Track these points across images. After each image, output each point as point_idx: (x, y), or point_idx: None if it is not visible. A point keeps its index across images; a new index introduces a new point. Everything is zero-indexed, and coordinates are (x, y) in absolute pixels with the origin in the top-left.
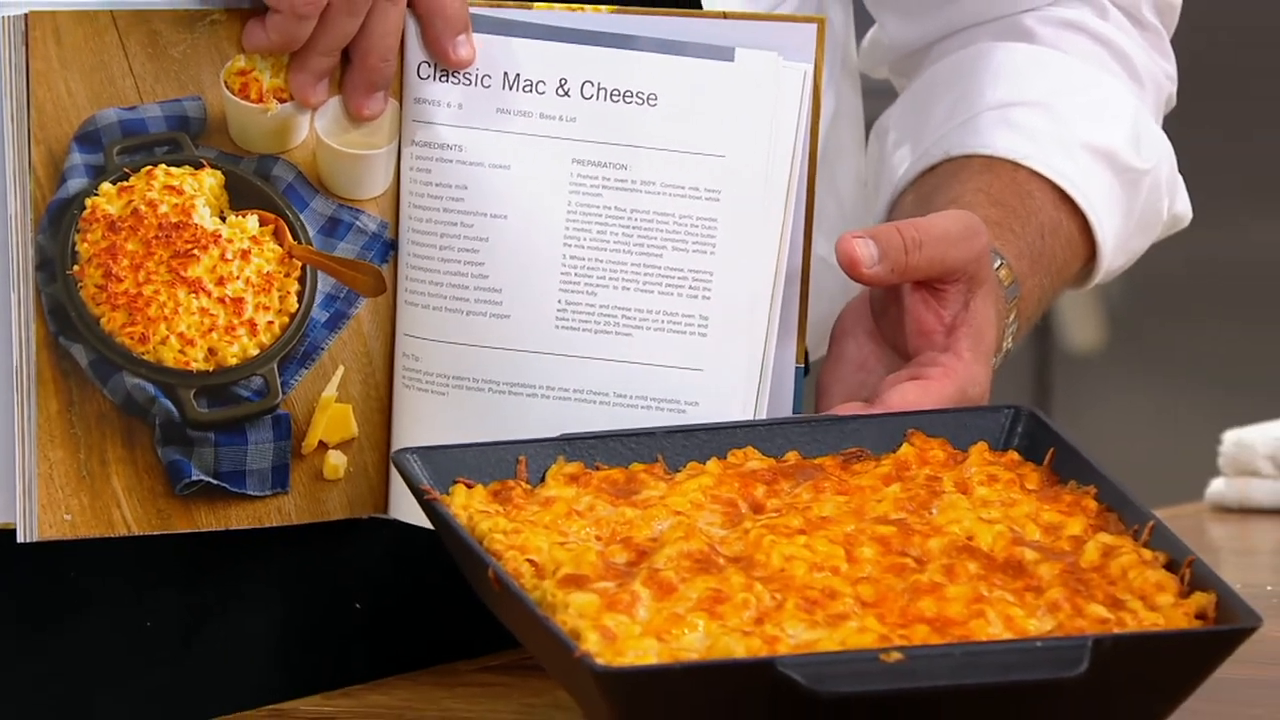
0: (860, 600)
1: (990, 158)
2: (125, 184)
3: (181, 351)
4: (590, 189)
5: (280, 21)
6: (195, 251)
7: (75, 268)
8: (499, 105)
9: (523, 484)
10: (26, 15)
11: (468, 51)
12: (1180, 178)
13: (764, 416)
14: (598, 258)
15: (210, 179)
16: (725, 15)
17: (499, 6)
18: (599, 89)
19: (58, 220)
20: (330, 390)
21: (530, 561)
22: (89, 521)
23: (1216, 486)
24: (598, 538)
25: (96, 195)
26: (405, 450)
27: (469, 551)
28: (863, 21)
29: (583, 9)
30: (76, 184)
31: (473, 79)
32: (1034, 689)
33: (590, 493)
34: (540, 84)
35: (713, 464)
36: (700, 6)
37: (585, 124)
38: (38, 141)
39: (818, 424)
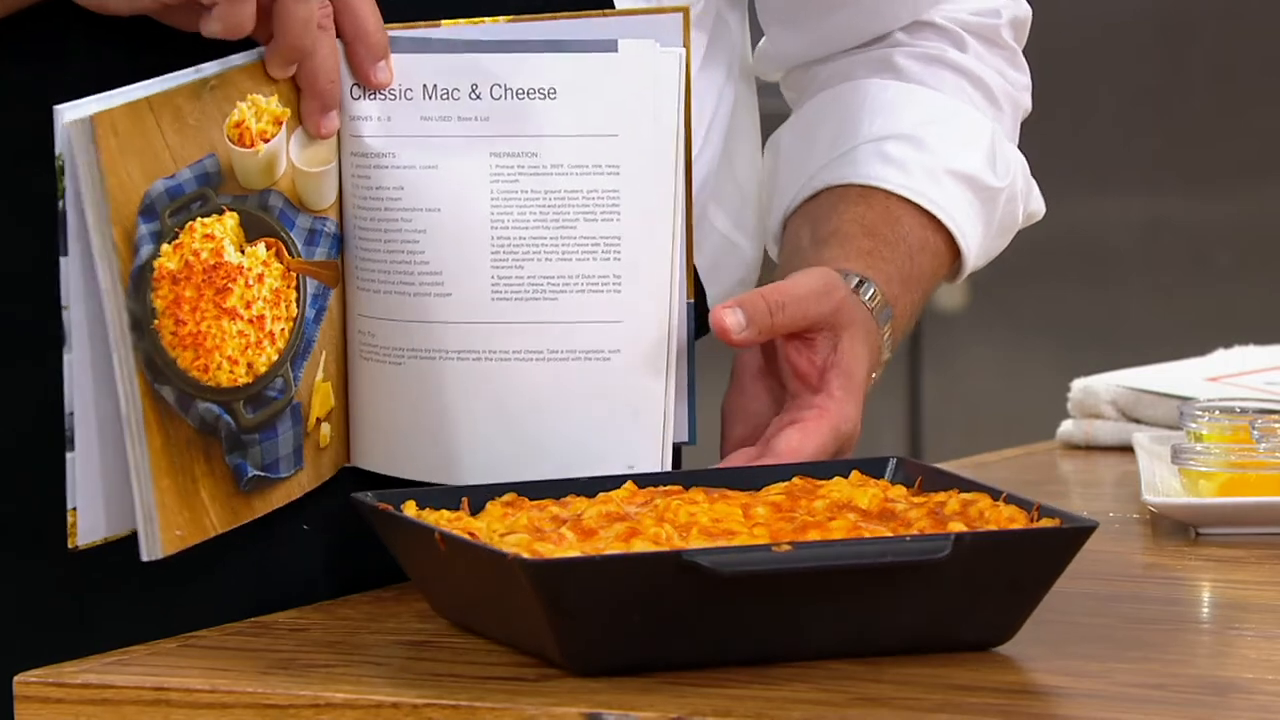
0: (755, 538)
1: (865, 187)
2: (176, 241)
3: (230, 371)
4: (508, 177)
5: (222, 10)
6: (229, 285)
7: (155, 322)
8: (422, 114)
9: (465, 514)
10: (92, 117)
11: (386, 75)
12: (1034, 181)
13: (674, 355)
14: (521, 235)
15: (230, 220)
16: (604, 13)
17: (411, 27)
18: (506, 89)
19: (138, 285)
20: (319, 373)
21: (470, 533)
22: (193, 532)
23: (1065, 427)
24: (529, 520)
25: (160, 257)
26: (363, 493)
27: (416, 530)
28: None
29: (483, 21)
30: (146, 251)
31: (397, 93)
32: (903, 572)
33: (524, 513)
34: (455, 91)
35: (628, 486)
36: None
37: (497, 121)
38: (114, 222)
39: (722, 474)
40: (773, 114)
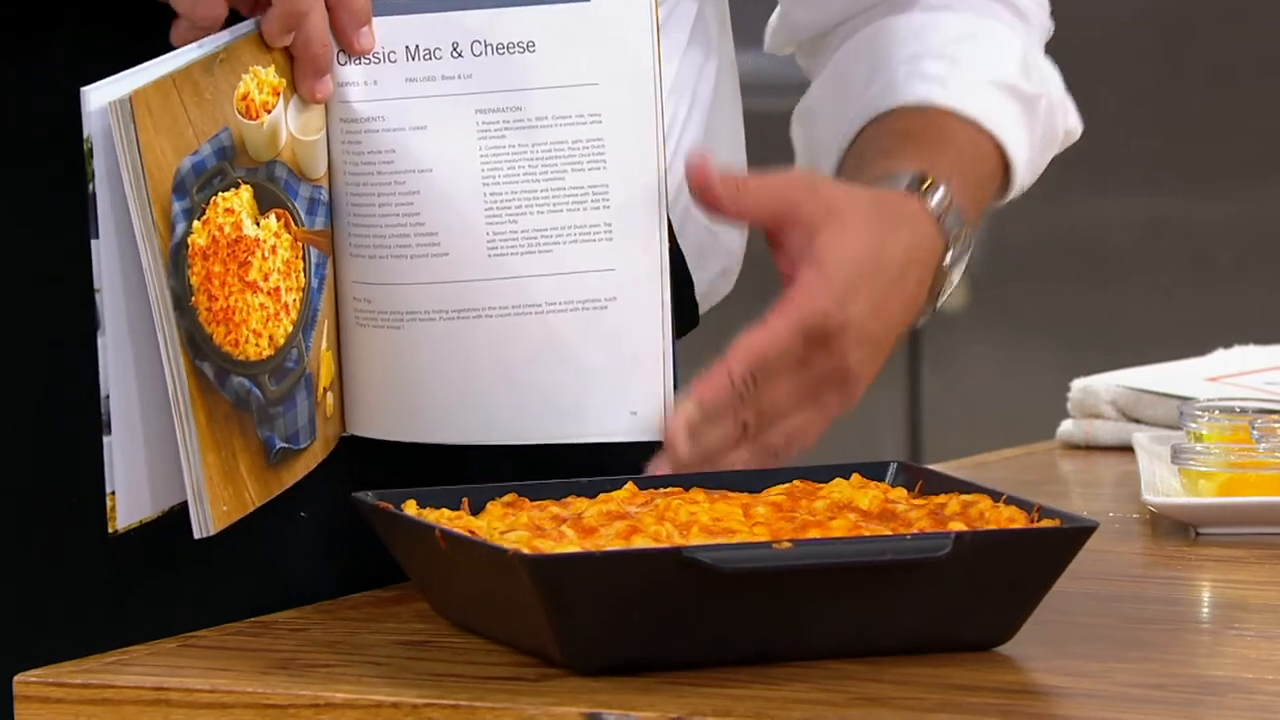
0: (755, 536)
1: (905, 108)
2: (204, 218)
3: (256, 345)
4: (495, 132)
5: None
6: (249, 258)
7: (193, 299)
8: (407, 75)
9: (466, 514)
10: (130, 96)
11: (369, 41)
12: (1069, 97)
13: (668, 298)
14: (512, 190)
15: (245, 193)
16: None
17: None
18: (486, 45)
19: (177, 263)
20: (324, 343)
21: (470, 531)
22: (236, 507)
23: (1065, 427)
24: (530, 519)
25: (192, 234)
26: (364, 493)
27: (417, 528)
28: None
29: None
30: (181, 228)
31: (381, 57)
32: (904, 570)
33: (525, 513)
34: (437, 50)
35: (628, 486)
36: None
37: (480, 78)
38: (154, 201)
39: (722, 476)
40: (763, 114)
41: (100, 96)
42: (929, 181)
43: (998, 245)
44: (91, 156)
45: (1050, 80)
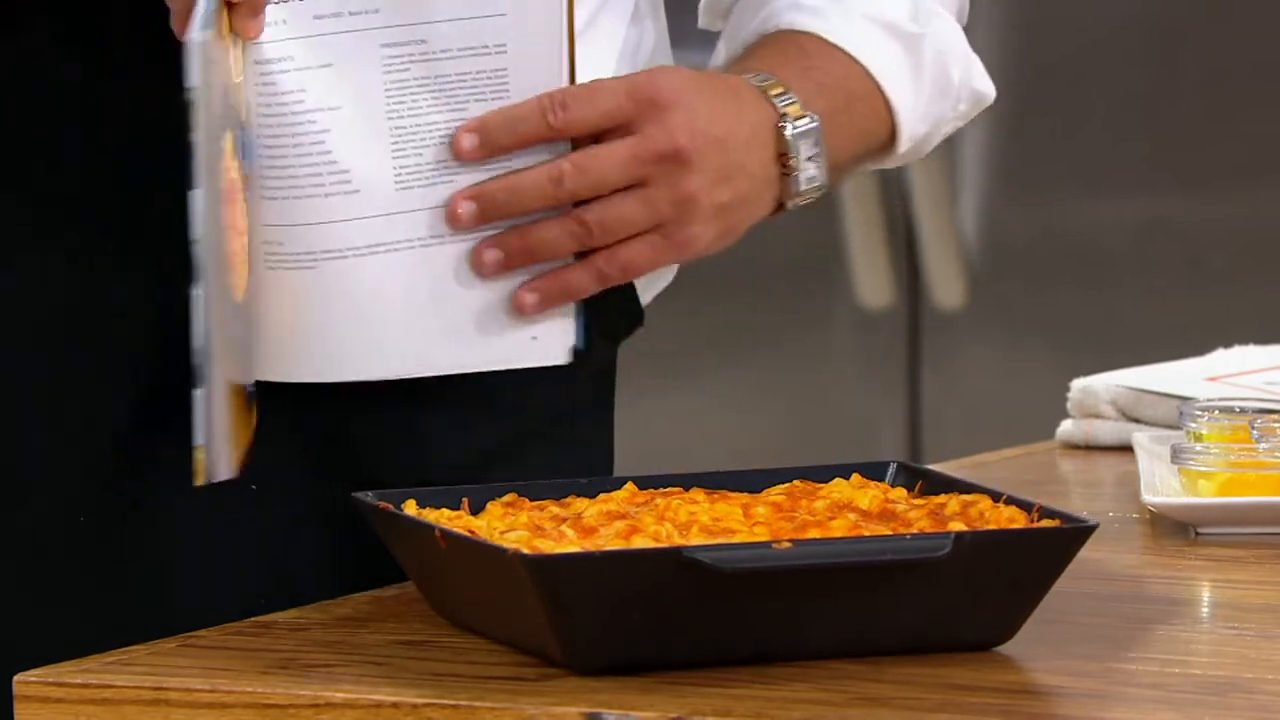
0: (755, 536)
1: (777, 33)
2: (224, 163)
3: (238, 289)
4: (400, 66)
5: None
6: (236, 198)
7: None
8: (315, 12)
9: (466, 514)
10: (209, 38)
11: None
12: (976, 57)
13: None
14: (416, 124)
15: (231, 136)
16: None
17: None
18: None
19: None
20: None
21: (470, 531)
22: (236, 453)
23: (1065, 427)
24: (529, 519)
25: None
26: (364, 493)
27: (416, 528)
28: None
29: None
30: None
31: None
32: (904, 570)
33: (524, 513)
34: None
35: (628, 486)
36: None
37: (386, 13)
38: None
39: (722, 476)
40: None
41: (197, 38)
42: (758, 74)
43: (995, 247)
44: (193, 106)
45: (941, 25)
